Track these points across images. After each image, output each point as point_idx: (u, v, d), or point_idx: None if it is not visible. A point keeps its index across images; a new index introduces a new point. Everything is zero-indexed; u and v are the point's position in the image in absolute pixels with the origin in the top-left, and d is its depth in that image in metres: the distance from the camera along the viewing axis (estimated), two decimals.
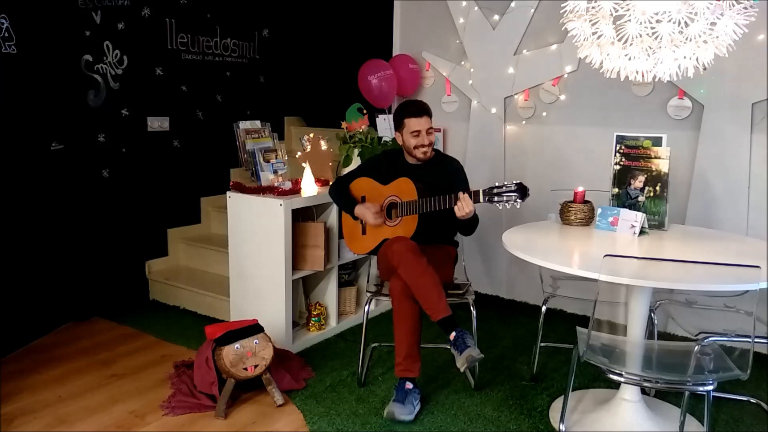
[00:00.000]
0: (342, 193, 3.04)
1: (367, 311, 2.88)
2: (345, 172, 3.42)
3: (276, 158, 3.35)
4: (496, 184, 2.55)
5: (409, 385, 2.65)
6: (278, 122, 5.12)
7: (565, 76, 3.80)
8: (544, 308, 2.84)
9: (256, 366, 2.70)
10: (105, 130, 3.80)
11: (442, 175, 2.91)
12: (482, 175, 4.01)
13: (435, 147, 2.96)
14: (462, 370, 2.48)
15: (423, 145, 2.86)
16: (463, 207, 2.57)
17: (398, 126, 2.91)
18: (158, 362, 3.16)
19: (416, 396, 2.66)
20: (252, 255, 3.26)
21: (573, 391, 2.73)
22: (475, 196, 2.58)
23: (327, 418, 2.63)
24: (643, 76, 2.35)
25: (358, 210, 2.92)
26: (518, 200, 2.48)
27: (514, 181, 2.53)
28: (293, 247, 3.21)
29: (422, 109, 2.87)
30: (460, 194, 2.58)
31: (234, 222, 3.32)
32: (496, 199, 2.53)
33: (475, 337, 2.72)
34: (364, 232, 3.01)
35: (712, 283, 2.11)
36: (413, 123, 2.85)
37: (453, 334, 2.53)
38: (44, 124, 3.39)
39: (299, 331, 3.45)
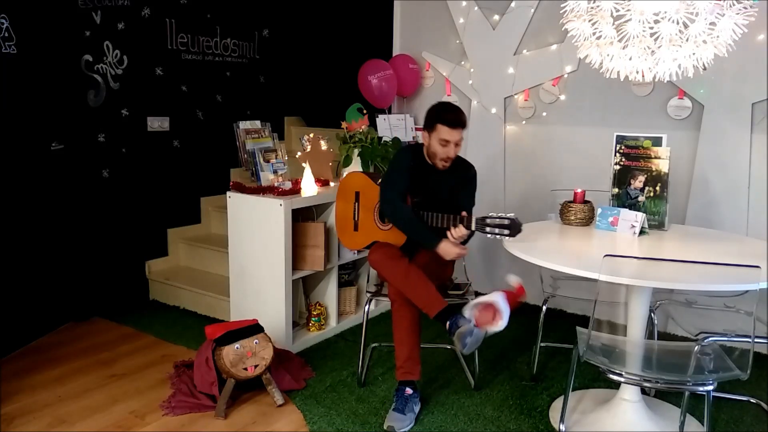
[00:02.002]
0: (412, 219, 2.68)
1: (367, 311, 2.87)
2: (346, 172, 3.41)
3: (276, 158, 3.35)
4: (491, 215, 2.50)
5: (409, 391, 2.64)
6: (278, 122, 5.12)
7: (565, 76, 3.80)
8: (544, 308, 2.85)
9: (256, 366, 2.70)
10: (105, 130, 3.80)
11: (456, 180, 2.84)
12: (482, 176, 3.99)
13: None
14: (459, 349, 2.42)
15: (448, 158, 2.72)
16: (456, 234, 2.57)
17: (429, 126, 2.71)
18: (158, 362, 3.16)
19: (416, 401, 2.66)
20: (252, 255, 3.26)
21: (573, 391, 2.73)
22: (467, 222, 2.55)
23: (327, 418, 2.63)
24: (643, 76, 2.35)
25: (444, 247, 2.63)
26: (509, 237, 2.47)
27: (510, 216, 2.47)
28: (293, 247, 3.21)
29: (459, 122, 2.67)
30: (452, 229, 2.57)
31: (234, 222, 3.32)
32: (488, 230, 2.51)
33: None
34: (356, 228, 2.99)
35: (712, 283, 2.11)
36: (445, 132, 2.65)
37: (447, 323, 2.50)
38: (44, 124, 3.39)
39: (299, 331, 3.46)
